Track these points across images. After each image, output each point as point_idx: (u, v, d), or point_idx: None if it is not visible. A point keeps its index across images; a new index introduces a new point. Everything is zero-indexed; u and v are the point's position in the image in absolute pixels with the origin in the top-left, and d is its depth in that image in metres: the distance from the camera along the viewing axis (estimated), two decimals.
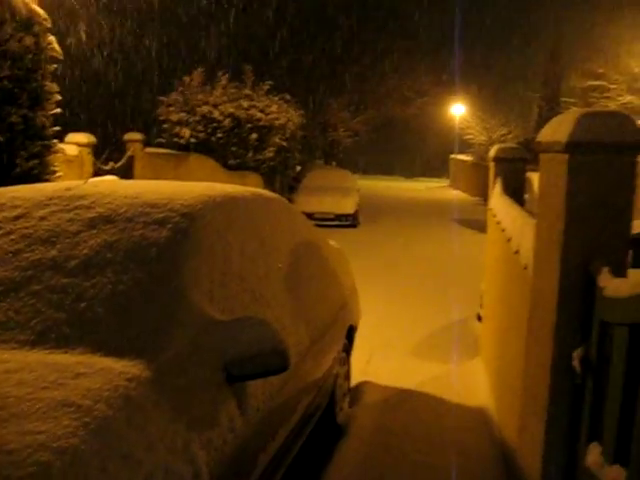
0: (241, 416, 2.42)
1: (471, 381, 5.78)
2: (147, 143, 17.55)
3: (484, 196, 30.33)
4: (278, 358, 2.42)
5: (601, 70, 23.66)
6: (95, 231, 2.66)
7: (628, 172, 2.59)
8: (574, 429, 2.68)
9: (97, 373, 2.01)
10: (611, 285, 2.39)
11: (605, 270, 2.50)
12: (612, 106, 22.75)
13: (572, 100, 27.98)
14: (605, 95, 23.63)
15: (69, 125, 14.20)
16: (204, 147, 18.28)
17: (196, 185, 3.26)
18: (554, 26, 39.96)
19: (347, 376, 5.01)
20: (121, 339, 2.20)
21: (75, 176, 11.57)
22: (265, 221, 3.47)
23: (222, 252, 2.81)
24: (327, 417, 4.35)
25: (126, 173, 15.30)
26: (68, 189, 3.00)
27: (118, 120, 20.19)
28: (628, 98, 23.03)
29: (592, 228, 2.61)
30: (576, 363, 2.60)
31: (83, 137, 13.62)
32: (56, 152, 8.91)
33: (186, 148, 18.08)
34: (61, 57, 8.87)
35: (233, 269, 2.85)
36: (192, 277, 2.51)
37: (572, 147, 2.57)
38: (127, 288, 2.39)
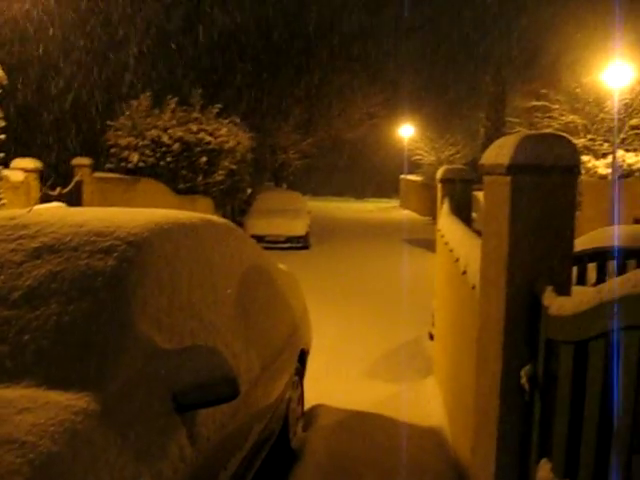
0: (191, 445, 2.39)
1: (425, 401, 5.80)
2: (96, 168, 17.36)
3: (434, 215, 30.57)
4: (228, 386, 2.40)
5: (544, 90, 24.25)
6: (39, 261, 2.61)
7: (569, 193, 2.65)
8: (525, 446, 2.71)
9: (42, 407, 1.96)
10: (555, 304, 2.43)
11: (549, 289, 2.54)
12: (555, 125, 23.33)
13: (516, 120, 28.59)
14: (548, 115, 24.20)
15: (16, 151, 13.99)
16: (153, 171, 18.14)
17: (143, 212, 3.23)
18: (498, 47, 40.90)
19: (300, 400, 4.99)
20: (67, 371, 2.16)
21: (21, 202, 11.36)
22: (214, 247, 3.45)
23: (170, 280, 2.78)
24: (281, 442, 4.32)
25: (74, 199, 15.10)
26: (12, 218, 2.95)
27: (66, 145, 19.91)
28: (570, 117, 23.64)
29: (536, 248, 2.66)
30: (524, 381, 2.64)
31: (29, 162, 13.41)
32: (0, 179, 8.75)
33: (135, 172, 17.92)
34: (5, 82, 8.73)
35: (181, 297, 2.82)
36: (139, 306, 2.48)
37: (514, 169, 2.62)
38: (72, 319, 2.34)
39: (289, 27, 32.47)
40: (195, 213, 3.66)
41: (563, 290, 2.60)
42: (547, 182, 2.62)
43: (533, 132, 2.76)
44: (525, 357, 2.68)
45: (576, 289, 2.84)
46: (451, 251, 4.86)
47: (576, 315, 2.23)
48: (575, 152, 2.66)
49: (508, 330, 2.73)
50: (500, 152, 2.74)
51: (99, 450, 1.92)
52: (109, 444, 1.96)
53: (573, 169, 2.65)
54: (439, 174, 6.37)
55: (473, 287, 3.53)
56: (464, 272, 3.98)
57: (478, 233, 4.73)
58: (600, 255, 5.48)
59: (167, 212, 3.34)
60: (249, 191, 24.87)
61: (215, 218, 3.85)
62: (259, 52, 31.09)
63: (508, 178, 2.65)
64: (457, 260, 4.40)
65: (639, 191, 17.97)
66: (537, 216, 2.64)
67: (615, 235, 6.37)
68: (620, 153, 19.59)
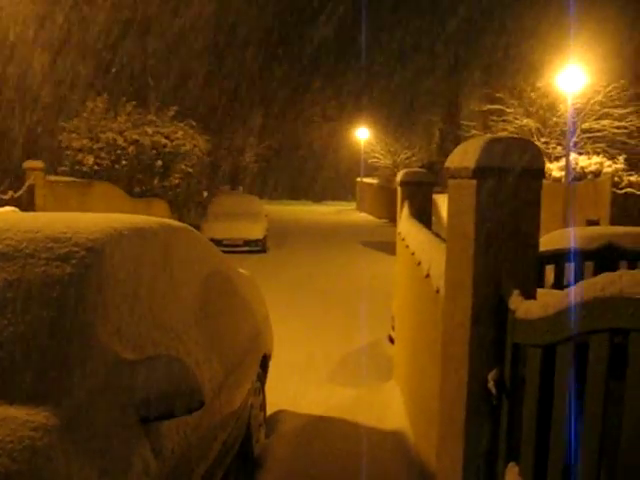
0: (155, 458, 2.32)
1: (386, 404, 5.79)
2: (49, 171, 17.02)
3: (390, 218, 30.94)
4: (193, 396, 2.33)
5: (498, 94, 24.61)
6: None
7: (534, 196, 2.65)
8: (492, 450, 2.70)
9: None
10: (522, 307, 2.42)
11: (516, 292, 2.54)
12: (510, 129, 23.70)
13: (472, 123, 28.96)
14: (503, 118, 24.57)
15: None
16: (109, 174, 17.89)
17: (101, 217, 3.13)
18: (452, 51, 41.42)
19: (262, 406, 4.93)
20: (24, 385, 2.06)
21: None
22: (174, 252, 3.37)
23: (130, 287, 2.70)
24: (244, 450, 4.25)
25: (26, 203, 14.77)
26: None
27: (18, 148, 19.49)
28: (525, 121, 24.04)
29: (502, 251, 2.65)
30: (491, 385, 2.63)
31: None
32: None
33: (90, 176, 17.63)
34: None
35: (142, 304, 2.74)
36: (99, 315, 2.39)
37: (480, 172, 2.61)
38: (29, 329, 2.24)
39: (246, 30, 32.37)
40: (154, 217, 3.57)
41: (529, 293, 2.60)
42: (513, 185, 2.61)
43: (498, 135, 2.76)
44: (492, 361, 2.67)
45: (540, 292, 2.85)
46: (413, 254, 4.85)
47: (543, 319, 2.22)
48: (540, 155, 2.67)
49: (474, 334, 2.72)
50: (465, 156, 2.73)
51: (60, 467, 1.84)
52: (70, 460, 1.88)
53: (538, 172, 2.66)
54: (399, 177, 6.37)
55: (437, 291, 3.52)
56: (427, 275, 3.97)
57: (437, 236, 4.75)
58: (558, 257, 5.54)
59: (125, 217, 3.26)
60: (205, 194, 24.71)
61: (175, 222, 3.77)
62: (215, 55, 30.92)
63: (474, 181, 2.64)
64: (419, 263, 4.39)
65: (591, 193, 18.32)
66: (503, 219, 2.64)
67: (571, 237, 6.45)
68: (573, 156, 19.96)
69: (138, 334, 2.60)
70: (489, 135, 2.83)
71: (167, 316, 2.95)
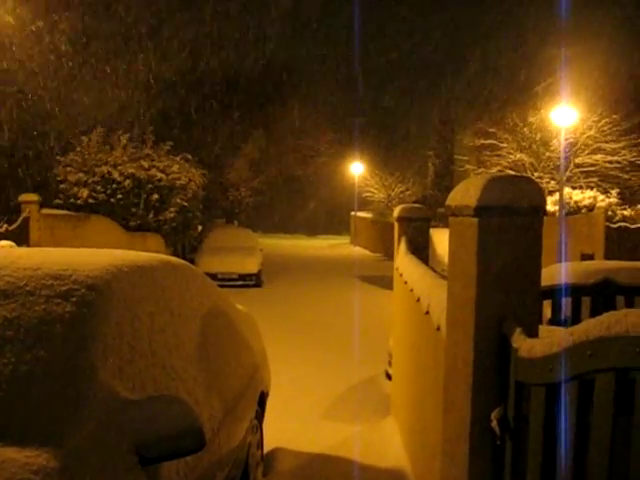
0: None
1: (385, 442, 5.73)
2: (44, 204, 17.00)
3: (384, 252, 31.01)
4: (194, 437, 2.30)
5: (492, 129, 24.84)
6: None
7: (536, 233, 2.66)
8: None
9: None
10: (525, 345, 2.41)
11: (518, 330, 2.53)
12: (503, 163, 23.89)
13: (465, 158, 29.17)
14: (496, 153, 24.77)
15: None
16: (104, 208, 17.89)
17: (100, 253, 3.12)
18: (446, 86, 41.86)
19: (260, 444, 4.87)
20: (23, 426, 2.03)
21: None
22: (173, 290, 3.35)
23: (130, 325, 2.68)
24: None
25: (21, 236, 14.75)
26: None
27: (14, 181, 19.50)
28: (518, 156, 24.25)
29: (504, 289, 2.65)
30: (494, 424, 2.60)
31: None
32: None
33: (85, 209, 17.64)
34: None
35: (142, 343, 2.72)
36: (100, 354, 2.37)
37: (481, 211, 2.61)
38: (29, 369, 2.21)
39: (242, 66, 32.69)
40: (153, 254, 3.56)
41: (531, 331, 2.59)
42: (514, 223, 2.62)
43: (499, 173, 2.77)
44: (494, 400, 2.65)
45: (542, 329, 2.84)
46: (411, 290, 4.84)
47: (547, 357, 2.21)
48: (540, 192, 2.68)
49: (477, 372, 2.70)
50: (466, 193, 2.74)
51: None
52: None
53: (539, 209, 2.67)
54: (396, 212, 6.38)
55: (438, 328, 3.51)
56: (427, 312, 3.95)
57: (433, 271, 4.74)
58: (555, 292, 5.53)
59: (125, 253, 3.24)
60: (200, 228, 24.71)
61: (173, 259, 3.76)
62: (212, 90, 31.17)
63: (475, 219, 2.65)
64: (418, 300, 4.38)
65: (585, 227, 18.40)
66: (505, 257, 2.64)
67: (568, 272, 6.45)
68: (567, 190, 20.08)
69: (138, 373, 2.57)
70: (490, 173, 2.85)
71: (167, 354, 2.92)
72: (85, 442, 2.06)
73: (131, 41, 25.41)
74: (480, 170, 24.52)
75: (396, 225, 6.47)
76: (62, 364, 2.25)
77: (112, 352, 2.44)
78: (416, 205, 6.60)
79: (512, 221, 2.61)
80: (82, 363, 2.28)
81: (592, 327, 1.97)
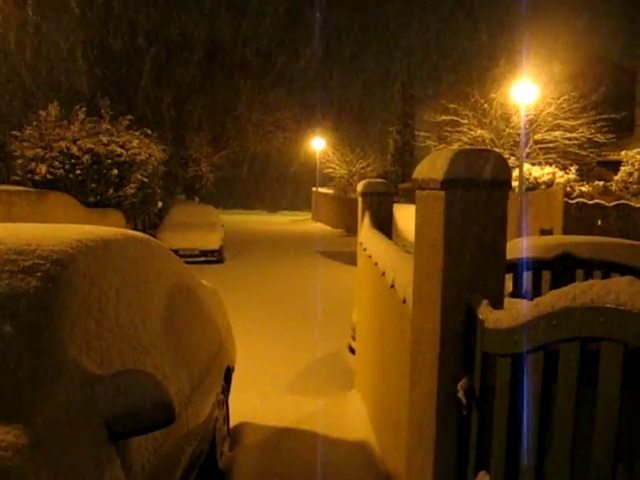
0: (126, 476, 2.27)
1: (349, 414, 5.79)
2: (0, 180, 16.64)
3: (346, 227, 31.10)
4: (163, 411, 2.29)
5: (453, 105, 24.94)
6: None
7: (501, 206, 2.69)
8: (462, 460, 2.72)
9: None
10: (491, 317, 2.45)
11: (484, 302, 2.56)
12: (464, 139, 24.04)
13: (426, 134, 29.28)
14: (457, 129, 24.90)
15: None
16: (62, 184, 17.55)
17: (66, 228, 3.07)
18: (407, 62, 41.90)
19: (226, 419, 4.88)
20: None
21: None
22: (139, 264, 3.32)
23: (97, 300, 2.64)
24: (208, 463, 4.20)
25: None
26: None
27: None
28: (479, 132, 24.42)
29: (470, 262, 2.68)
30: (461, 394, 2.64)
31: None
32: None
33: (43, 185, 17.29)
34: None
35: (109, 318, 2.69)
36: (66, 330, 2.34)
37: (448, 184, 2.63)
38: None
39: (202, 40, 32.27)
40: (117, 229, 3.52)
41: (497, 303, 2.63)
42: (480, 196, 2.65)
43: (466, 147, 2.79)
44: (461, 370, 2.69)
45: (508, 301, 2.88)
46: (376, 264, 4.87)
47: (514, 328, 2.25)
48: (506, 166, 2.70)
49: (443, 344, 2.73)
50: (433, 167, 2.75)
51: None
52: None
53: (505, 183, 2.69)
54: (359, 188, 6.39)
55: (404, 301, 3.54)
56: (392, 286, 3.98)
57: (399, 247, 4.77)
58: (516, 266, 5.62)
59: (90, 228, 3.20)
60: (160, 204, 24.46)
61: (138, 234, 3.71)
62: (172, 64, 30.73)
63: (442, 193, 2.66)
64: (383, 274, 4.40)
65: (544, 203, 18.65)
66: (471, 230, 2.66)
67: (528, 246, 6.55)
68: (526, 167, 20.32)
69: (106, 348, 2.54)
70: (456, 147, 2.86)
71: (134, 329, 2.90)
72: (54, 418, 2.03)
73: (89, 10, 24.90)
74: (441, 146, 24.66)
75: (360, 200, 6.48)
76: (28, 340, 2.22)
77: (79, 327, 2.41)
78: (380, 180, 6.62)
79: (478, 194, 2.63)
80: (49, 338, 2.25)
81: (557, 298, 2.00)
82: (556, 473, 1.99)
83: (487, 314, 2.49)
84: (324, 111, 43.89)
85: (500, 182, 2.67)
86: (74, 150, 17.81)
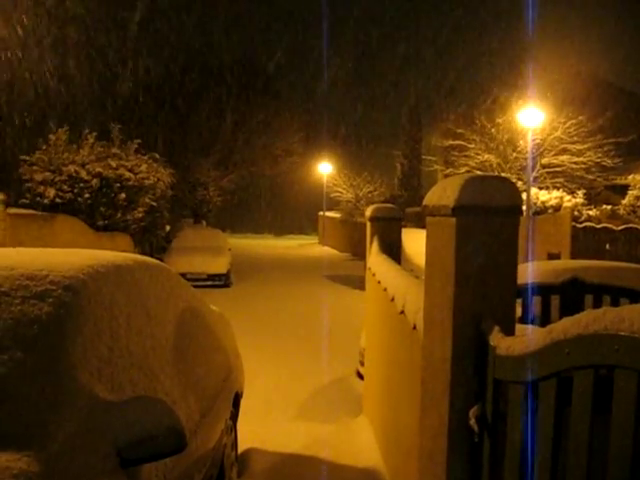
0: None
1: (358, 441, 5.75)
2: (10, 203, 16.71)
3: (353, 251, 31.10)
4: (175, 438, 2.28)
5: (460, 130, 25.01)
6: None
7: (512, 232, 2.69)
8: None
9: None
10: (503, 344, 2.44)
11: (496, 329, 2.55)
12: (471, 164, 24.07)
13: (433, 158, 29.36)
14: (464, 154, 24.95)
15: None
16: (71, 208, 17.63)
17: (77, 253, 3.08)
18: (414, 87, 42.19)
19: (234, 445, 4.85)
20: (4, 429, 1.99)
21: None
22: (149, 290, 3.33)
23: (108, 326, 2.65)
24: None
25: None
26: None
27: None
28: (486, 156, 24.46)
29: (481, 288, 2.67)
30: (472, 422, 2.62)
31: None
32: None
33: (51, 208, 17.37)
34: None
35: (120, 343, 2.69)
36: (78, 355, 2.34)
37: (459, 211, 2.63)
38: (7, 371, 2.17)
39: (210, 64, 32.54)
40: (128, 254, 3.53)
41: (509, 329, 2.62)
42: (492, 222, 2.65)
43: (476, 174, 2.79)
44: (472, 397, 2.68)
45: (519, 328, 2.87)
46: (385, 290, 4.86)
47: (526, 355, 2.24)
48: (516, 192, 2.71)
49: (455, 370, 2.72)
50: (444, 194, 2.76)
51: None
52: None
53: (515, 209, 2.70)
54: (368, 212, 6.40)
55: (414, 327, 3.53)
56: (402, 311, 3.97)
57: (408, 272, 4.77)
58: (524, 291, 5.60)
59: (100, 253, 3.21)
60: (168, 228, 24.54)
61: (148, 259, 3.73)
62: (180, 88, 30.98)
63: (453, 219, 2.67)
64: (392, 299, 4.40)
65: (552, 227, 18.63)
66: (482, 256, 2.66)
67: (537, 271, 6.54)
68: (534, 191, 20.32)
69: (117, 374, 2.54)
70: (464, 171, 2.87)
71: (144, 355, 2.90)
72: (66, 445, 2.03)
73: (98, 36, 25.17)
74: (448, 170, 24.68)
75: (368, 225, 6.49)
76: (40, 366, 2.22)
77: (90, 353, 2.42)
78: (388, 205, 6.63)
79: (490, 221, 2.64)
80: (60, 364, 2.25)
81: (570, 325, 1.99)
82: None
83: (499, 341, 2.49)
84: (331, 135, 44.10)
85: (511, 208, 2.67)
86: (83, 174, 17.90)
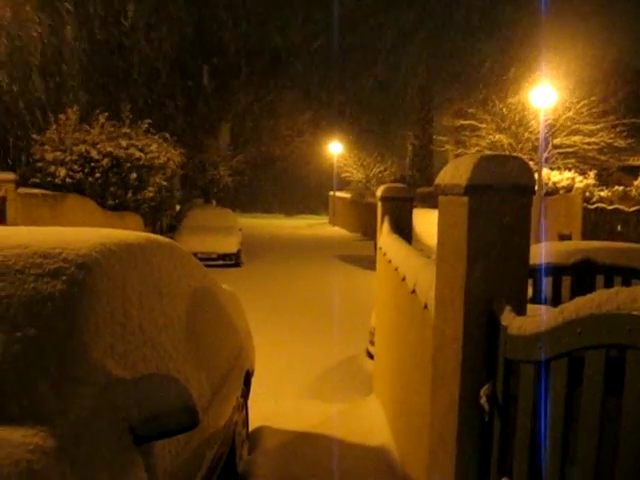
0: (149, 479, 2.28)
1: (368, 419, 5.78)
2: (21, 183, 16.78)
3: (363, 231, 31.07)
4: (187, 415, 2.30)
5: (471, 110, 24.85)
6: None
7: (524, 212, 2.68)
8: (484, 465, 2.71)
9: None
10: (515, 323, 2.44)
11: (508, 309, 2.55)
12: (482, 144, 23.93)
13: (444, 138, 29.21)
14: (476, 133, 24.80)
15: None
16: (82, 187, 17.68)
17: (90, 232, 3.09)
18: (425, 67, 41.87)
19: (245, 423, 4.89)
20: (18, 405, 2.01)
21: None
22: (161, 268, 3.34)
23: (121, 304, 2.66)
24: (228, 467, 4.21)
25: None
26: None
27: None
28: (497, 137, 24.31)
29: (493, 268, 2.67)
30: (483, 401, 2.63)
31: None
32: None
33: (62, 188, 17.43)
34: None
35: (133, 321, 2.71)
36: (92, 332, 2.36)
37: (471, 190, 2.62)
38: (21, 348, 2.19)
39: (220, 44, 32.40)
40: (140, 233, 3.54)
41: (520, 309, 2.62)
42: (504, 202, 2.64)
43: (489, 153, 2.79)
44: (483, 376, 2.68)
45: (531, 307, 2.87)
46: (396, 269, 4.87)
47: (537, 335, 2.24)
48: (529, 172, 2.70)
49: (466, 350, 2.73)
50: (456, 173, 2.75)
51: None
52: None
53: (528, 188, 2.69)
54: (379, 192, 6.39)
55: (425, 306, 3.53)
56: (413, 291, 3.98)
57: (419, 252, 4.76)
58: (535, 271, 5.59)
59: (113, 232, 3.22)
60: (178, 207, 24.58)
61: (161, 238, 3.74)
62: (190, 68, 30.89)
63: (465, 198, 2.66)
64: (404, 279, 4.40)
65: (563, 208, 18.55)
66: (494, 236, 2.66)
67: (548, 252, 6.52)
68: (545, 171, 20.21)
69: (130, 352, 2.56)
70: (480, 152, 2.86)
71: (157, 333, 2.92)
72: (80, 421, 2.05)
73: (109, 18, 25.10)
74: (459, 150, 24.56)
75: (379, 205, 6.48)
76: (54, 343, 2.24)
77: (103, 330, 2.43)
78: (399, 185, 6.62)
79: (502, 200, 2.63)
80: (74, 341, 2.27)
81: (582, 305, 1.99)
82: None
83: (510, 320, 2.49)
84: (342, 115, 43.93)
85: (523, 188, 2.66)
86: (94, 154, 17.93)
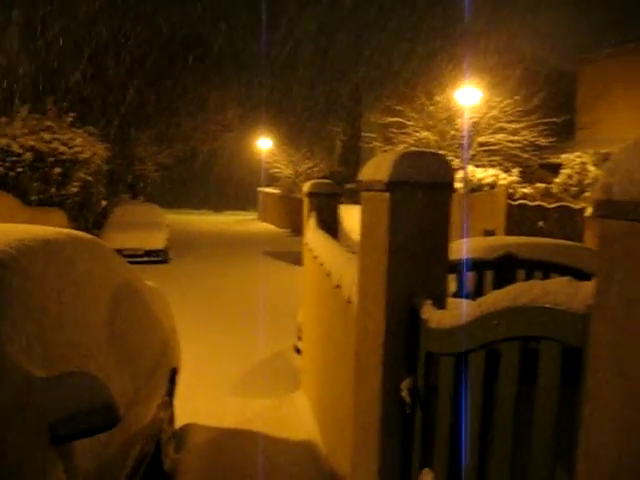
0: None
1: (295, 415, 5.80)
2: None
3: (292, 228, 31.09)
4: (108, 413, 2.26)
5: (399, 107, 25.16)
6: None
7: (444, 208, 2.74)
8: (407, 457, 2.76)
9: None
10: (434, 317, 2.49)
11: (428, 303, 2.60)
12: (409, 141, 24.27)
13: (372, 135, 29.50)
14: (403, 131, 25.13)
15: None
16: (2, 182, 17.08)
17: (6, 228, 2.99)
18: (355, 64, 42.14)
19: (171, 420, 4.84)
20: None
21: None
22: (82, 265, 3.27)
23: (39, 301, 2.59)
24: (154, 466, 4.16)
25: None
26: None
27: None
28: (424, 134, 24.69)
29: (414, 262, 2.72)
30: (405, 394, 2.68)
31: None
32: None
33: None
34: None
35: (52, 319, 2.64)
36: (7, 331, 2.28)
37: (392, 186, 2.67)
38: None
39: (146, 37, 31.85)
40: (60, 229, 3.46)
41: (440, 303, 2.67)
42: (424, 197, 2.69)
43: (410, 150, 2.83)
44: (405, 370, 2.73)
45: (451, 301, 2.93)
46: (322, 265, 4.89)
47: (456, 328, 2.29)
48: (449, 169, 2.76)
49: (387, 343, 2.77)
50: (378, 169, 2.78)
51: None
52: None
53: (447, 185, 2.75)
54: (306, 188, 6.40)
55: (349, 301, 3.57)
56: (337, 286, 4.01)
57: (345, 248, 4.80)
58: (459, 267, 5.71)
59: (31, 227, 3.14)
60: (104, 203, 24.05)
61: (81, 234, 3.66)
62: (115, 61, 30.26)
63: (387, 194, 2.70)
64: (329, 274, 4.43)
65: (488, 204, 18.98)
66: (415, 231, 2.70)
67: (471, 247, 6.66)
68: (470, 168, 20.64)
69: (48, 350, 2.50)
70: (401, 149, 2.90)
71: (77, 331, 2.86)
72: None
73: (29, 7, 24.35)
74: (387, 147, 24.83)
75: (306, 200, 6.49)
76: None
77: (19, 328, 2.36)
78: (326, 181, 6.64)
79: (422, 196, 2.68)
80: None
81: (499, 298, 2.05)
82: (497, 470, 2.04)
83: (430, 314, 2.54)
84: (271, 111, 43.79)
85: (443, 184, 2.71)
86: (15, 147, 17.34)
